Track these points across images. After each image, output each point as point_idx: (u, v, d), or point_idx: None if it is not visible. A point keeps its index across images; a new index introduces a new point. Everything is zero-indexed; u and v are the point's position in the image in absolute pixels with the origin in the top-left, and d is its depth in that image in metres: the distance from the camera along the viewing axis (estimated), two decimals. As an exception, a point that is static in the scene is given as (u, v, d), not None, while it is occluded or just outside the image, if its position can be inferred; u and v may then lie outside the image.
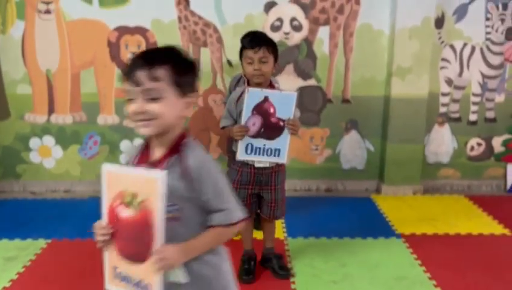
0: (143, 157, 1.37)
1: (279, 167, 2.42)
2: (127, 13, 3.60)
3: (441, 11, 3.66)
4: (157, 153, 1.34)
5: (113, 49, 3.67)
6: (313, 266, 2.62)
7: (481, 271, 2.58)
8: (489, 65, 3.79)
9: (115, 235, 1.33)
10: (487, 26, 3.72)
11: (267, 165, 2.36)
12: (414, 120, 3.70)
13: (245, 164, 2.37)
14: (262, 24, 3.62)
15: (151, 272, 1.25)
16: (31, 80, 3.73)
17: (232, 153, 2.91)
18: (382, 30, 3.67)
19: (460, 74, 3.81)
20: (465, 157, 3.96)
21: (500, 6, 3.68)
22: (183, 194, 1.28)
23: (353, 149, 3.91)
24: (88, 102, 3.77)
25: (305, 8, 3.63)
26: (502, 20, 3.71)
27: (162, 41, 3.66)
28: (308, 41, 3.69)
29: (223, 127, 2.42)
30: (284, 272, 2.49)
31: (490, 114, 3.89)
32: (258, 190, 2.42)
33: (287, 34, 3.65)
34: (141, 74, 1.23)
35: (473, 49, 3.76)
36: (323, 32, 3.68)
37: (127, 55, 3.68)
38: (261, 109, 2.24)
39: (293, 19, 3.64)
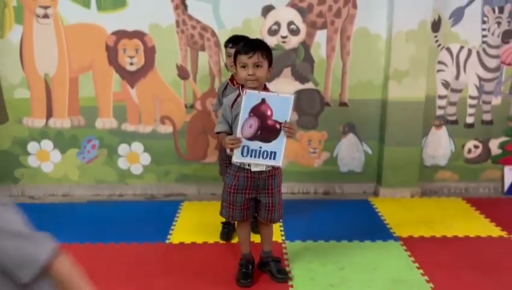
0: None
1: (275, 171, 2.43)
2: (125, 17, 3.61)
3: (437, 15, 3.68)
4: None
5: (111, 53, 3.68)
6: (311, 270, 2.63)
7: (479, 274, 2.59)
8: (485, 68, 3.81)
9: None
10: (483, 30, 3.74)
11: (264, 169, 2.36)
12: (411, 123, 3.72)
13: (241, 169, 2.38)
14: (260, 28, 3.64)
15: None
16: (29, 84, 3.74)
17: (224, 162, 2.93)
18: (379, 34, 3.69)
19: (457, 76, 3.83)
20: (462, 159, 3.98)
21: (496, 9, 3.70)
22: None
23: (351, 152, 3.92)
24: (86, 106, 3.78)
25: (303, 12, 3.64)
26: (498, 23, 3.73)
27: (160, 45, 3.67)
28: (305, 45, 3.71)
29: (218, 133, 2.42)
30: (282, 276, 2.50)
31: (487, 116, 3.91)
32: (255, 194, 2.43)
33: (284, 37, 3.67)
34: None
35: (470, 52, 3.78)
36: (321, 36, 3.70)
37: (124, 60, 3.69)
38: (258, 111, 2.25)
39: (290, 23, 3.65)
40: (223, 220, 3.00)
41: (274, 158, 2.30)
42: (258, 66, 2.27)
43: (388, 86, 3.66)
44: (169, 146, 3.87)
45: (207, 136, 3.83)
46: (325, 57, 3.73)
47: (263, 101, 2.25)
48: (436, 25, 3.69)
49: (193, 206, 3.64)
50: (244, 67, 2.29)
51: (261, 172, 2.37)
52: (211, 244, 2.96)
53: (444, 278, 2.53)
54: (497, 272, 2.60)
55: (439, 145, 3.94)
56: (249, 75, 2.27)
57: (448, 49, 3.77)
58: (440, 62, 3.79)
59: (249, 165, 2.35)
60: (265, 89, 2.39)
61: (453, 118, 3.90)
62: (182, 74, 3.75)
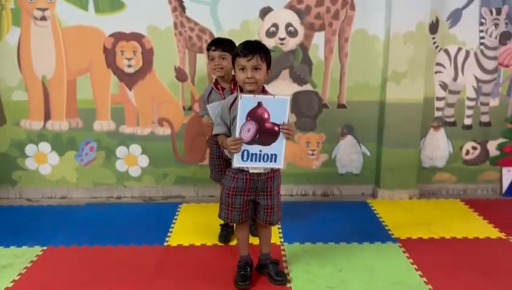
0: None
1: (274, 173, 2.42)
2: (123, 19, 3.61)
3: (435, 16, 3.68)
4: None
5: (109, 55, 3.68)
6: (309, 272, 2.62)
7: (477, 275, 2.58)
8: (483, 70, 3.81)
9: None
10: (481, 31, 3.75)
11: (262, 171, 2.36)
12: (409, 125, 3.72)
13: (240, 171, 2.37)
14: (258, 30, 3.64)
15: None
16: (27, 87, 3.73)
17: (216, 167, 2.93)
18: (377, 35, 3.69)
19: (455, 78, 3.83)
20: (460, 161, 3.98)
21: (493, 11, 3.71)
22: None
23: (349, 154, 3.92)
24: (84, 108, 3.77)
25: (301, 14, 3.65)
26: (496, 25, 3.73)
27: (158, 47, 3.67)
28: (303, 47, 3.71)
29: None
30: (281, 278, 2.49)
31: (485, 118, 3.91)
32: (254, 196, 2.42)
33: (282, 39, 3.67)
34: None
35: (467, 53, 3.78)
36: (319, 37, 3.70)
37: (122, 62, 3.69)
38: (255, 114, 2.25)
39: (288, 25, 3.65)
40: (222, 222, 3.00)
41: (275, 161, 2.30)
42: (256, 68, 2.27)
43: (386, 88, 3.66)
44: (168, 148, 3.86)
45: (205, 138, 3.82)
46: (323, 59, 3.74)
47: (259, 104, 2.24)
48: (434, 27, 3.70)
49: (191, 209, 3.64)
50: (242, 69, 2.28)
51: (259, 174, 2.37)
52: (209, 247, 2.96)
53: (443, 280, 2.53)
54: (495, 274, 2.60)
55: (437, 147, 3.94)
56: (248, 78, 2.26)
57: (446, 51, 3.78)
58: (438, 64, 3.80)
59: (247, 167, 2.35)
60: (264, 91, 2.39)
61: (451, 119, 3.91)
62: (180, 76, 3.75)
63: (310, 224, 3.29)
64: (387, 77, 3.64)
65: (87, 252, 2.88)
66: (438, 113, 3.89)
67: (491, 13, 3.71)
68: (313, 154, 3.92)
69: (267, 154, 2.29)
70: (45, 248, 2.93)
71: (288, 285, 2.49)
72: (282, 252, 2.85)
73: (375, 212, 3.53)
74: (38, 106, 3.77)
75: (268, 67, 2.34)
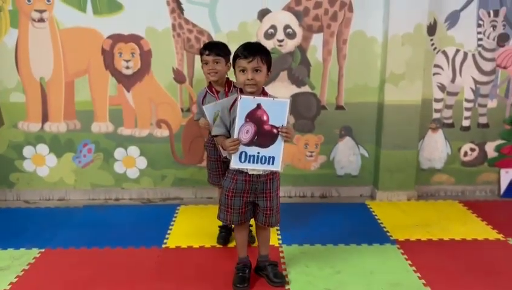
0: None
1: (273, 175, 2.42)
2: (121, 21, 3.60)
3: (433, 18, 3.69)
4: None
5: (107, 57, 3.68)
6: (308, 274, 2.62)
7: (476, 277, 2.58)
8: (481, 71, 3.82)
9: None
10: (479, 33, 3.75)
11: (261, 172, 2.36)
12: (407, 126, 3.72)
13: (240, 172, 2.37)
14: (256, 32, 3.64)
15: None
16: (25, 88, 3.72)
17: (214, 170, 2.93)
18: (375, 37, 3.69)
19: (453, 80, 3.84)
20: (458, 162, 3.98)
21: (491, 12, 3.72)
22: None
23: (347, 155, 3.92)
24: (82, 110, 3.77)
25: (299, 16, 3.65)
26: (494, 27, 3.74)
27: (156, 49, 3.67)
28: (301, 49, 3.71)
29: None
30: (279, 280, 2.49)
31: (483, 120, 3.92)
32: (253, 198, 2.42)
33: (280, 41, 3.67)
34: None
35: (465, 55, 3.79)
36: (317, 39, 3.70)
37: (120, 63, 3.68)
38: (254, 116, 2.25)
39: (286, 27, 3.66)
40: (220, 224, 3.00)
41: (272, 163, 2.30)
42: (257, 70, 2.27)
43: (384, 89, 3.67)
44: (166, 150, 3.86)
45: (203, 140, 3.81)
46: (321, 61, 3.74)
47: (258, 106, 2.24)
48: (432, 29, 3.70)
49: (190, 210, 3.63)
50: (243, 71, 2.28)
51: (259, 176, 2.36)
52: (207, 249, 2.95)
53: (441, 282, 2.53)
54: (494, 275, 2.60)
55: (435, 148, 3.94)
56: (248, 79, 2.26)
57: (444, 53, 3.78)
58: (436, 65, 3.80)
59: (246, 169, 2.34)
60: (264, 93, 2.38)
61: (449, 121, 3.91)
62: (178, 77, 3.74)
63: (309, 226, 3.28)
64: (386, 78, 3.64)
65: (85, 255, 2.88)
66: (436, 115, 3.89)
67: (489, 15, 3.72)
68: (311, 156, 3.92)
69: (265, 157, 2.29)
70: (43, 250, 2.92)
71: (286, 287, 2.49)
72: (281, 254, 2.84)
73: (373, 213, 3.53)
74: (36, 107, 3.76)
75: (269, 69, 2.34)
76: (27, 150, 3.83)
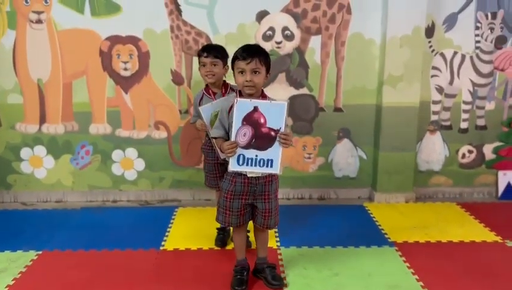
0: None
1: (272, 177, 2.42)
2: (119, 23, 3.60)
3: (431, 20, 3.69)
4: None
5: (105, 58, 3.67)
6: (306, 276, 2.61)
7: (474, 279, 2.58)
8: (479, 73, 3.83)
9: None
10: (477, 35, 3.76)
11: (260, 174, 2.35)
12: (406, 128, 3.72)
13: (238, 174, 2.36)
14: (255, 33, 3.64)
15: None
16: (22, 90, 3.71)
17: (211, 173, 2.92)
18: (373, 39, 3.70)
19: (451, 82, 3.84)
20: (456, 164, 3.99)
21: (489, 15, 3.73)
22: None
23: (345, 157, 3.92)
24: (80, 111, 3.76)
25: (297, 18, 3.65)
26: (491, 29, 3.75)
27: (154, 50, 3.66)
28: (300, 51, 3.71)
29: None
30: (277, 283, 2.48)
31: (481, 122, 3.92)
32: (252, 200, 2.42)
33: (279, 43, 3.67)
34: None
35: (463, 57, 3.80)
36: (315, 41, 3.71)
37: (118, 65, 3.68)
38: (251, 119, 2.24)
39: (284, 28, 3.66)
40: (218, 226, 2.99)
41: (271, 166, 2.29)
42: (255, 72, 2.26)
43: (382, 91, 3.67)
44: (164, 152, 3.85)
45: (201, 141, 3.81)
46: (319, 63, 3.74)
47: (255, 109, 2.24)
48: (430, 31, 3.71)
49: (187, 212, 3.62)
50: (241, 72, 2.28)
51: (257, 178, 2.36)
52: (205, 251, 2.94)
53: (440, 284, 2.53)
54: (492, 277, 2.60)
55: (433, 151, 3.95)
56: (247, 81, 2.26)
57: (442, 55, 3.79)
58: (434, 67, 3.81)
59: (245, 171, 2.34)
60: (263, 95, 2.38)
61: (447, 123, 3.92)
62: (177, 79, 3.74)
63: (307, 228, 3.28)
64: (384, 80, 3.65)
65: (82, 257, 2.87)
66: (434, 117, 3.90)
67: (487, 17, 3.73)
68: (309, 158, 3.92)
69: (263, 159, 2.28)
70: (40, 252, 2.91)
71: (284, 289, 2.48)
72: (279, 256, 2.84)
73: (371, 215, 3.53)
74: (33, 109, 3.75)
75: (268, 71, 2.33)
76: (24, 152, 3.82)
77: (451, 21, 3.73)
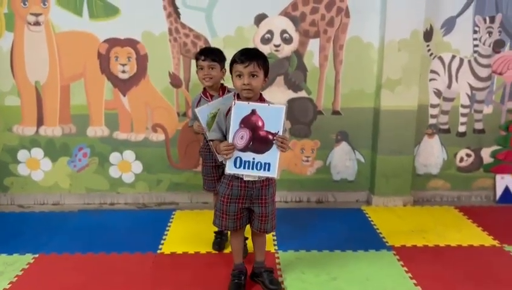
0: None
1: (269, 181, 2.41)
2: (117, 25, 3.59)
3: (429, 24, 3.70)
4: None
5: (103, 61, 3.66)
6: (304, 280, 2.61)
7: (472, 283, 2.58)
8: (477, 77, 3.83)
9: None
10: (475, 39, 3.77)
11: (257, 178, 2.35)
12: (404, 131, 3.72)
13: (235, 178, 2.36)
14: (253, 36, 3.64)
15: None
16: (20, 92, 3.70)
17: (209, 176, 2.92)
18: (371, 43, 3.70)
19: (449, 85, 3.85)
20: (454, 168, 3.99)
21: (487, 19, 3.73)
22: None
23: (343, 160, 3.92)
24: (78, 114, 3.75)
25: (295, 21, 3.65)
26: (490, 33, 3.76)
27: (152, 53, 3.66)
28: (298, 54, 3.71)
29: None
30: (275, 287, 2.47)
31: (479, 125, 3.93)
32: (249, 204, 2.41)
33: (277, 46, 3.67)
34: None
35: (461, 61, 3.80)
36: (314, 44, 3.70)
37: (116, 67, 3.67)
38: (249, 121, 2.24)
39: (283, 32, 3.66)
40: (215, 229, 2.98)
41: (268, 169, 2.28)
42: (253, 75, 2.26)
43: (381, 95, 3.67)
44: (161, 154, 3.84)
45: (199, 144, 3.80)
46: (317, 66, 3.74)
47: (253, 111, 2.23)
48: (428, 35, 3.71)
49: (185, 215, 3.61)
50: (239, 76, 2.27)
51: (254, 181, 2.35)
52: (202, 255, 2.93)
53: (437, 288, 2.53)
54: (490, 282, 2.60)
55: (431, 154, 3.95)
56: (244, 84, 2.25)
57: (440, 58, 3.79)
58: (432, 71, 3.81)
59: (242, 175, 2.33)
60: (261, 98, 2.37)
61: (445, 126, 3.92)
62: (175, 82, 3.73)
63: (305, 231, 3.27)
64: (382, 84, 3.65)
65: (79, 260, 2.85)
66: (432, 120, 3.90)
67: (485, 21, 3.74)
68: (307, 161, 3.91)
69: (261, 163, 2.27)
70: (37, 255, 2.90)
71: (282, 294, 2.48)
72: (277, 260, 2.83)
73: (369, 219, 3.52)
74: (31, 111, 3.74)
75: (266, 74, 2.33)
76: (22, 154, 3.81)
77: (449, 25, 3.73)
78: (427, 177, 3.99)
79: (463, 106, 3.89)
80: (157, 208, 3.83)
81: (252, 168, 2.28)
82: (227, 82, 2.74)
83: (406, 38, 3.56)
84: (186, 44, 3.66)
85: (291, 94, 3.77)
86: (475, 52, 3.79)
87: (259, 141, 2.25)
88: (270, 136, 2.25)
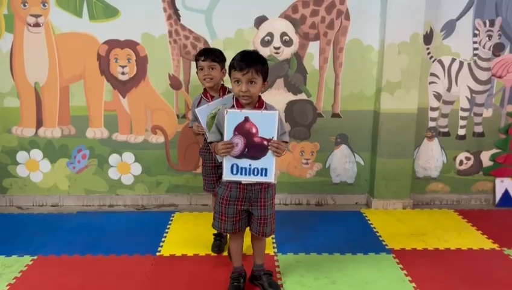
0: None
1: (268, 184, 2.40)
2: (117, 27, 3.59)
3: (429, 27, 3.70)
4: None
5: (103, 62, 3.66)
6: (303, 284, 2.60)
7: (471, 287, 2.58)
8: (477, 80, 3.83)
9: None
10: (475, 42, 3.77)
11: (254, 181, 2.34)
12: (403, 134, 3.72)
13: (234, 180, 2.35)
14: (253, 39, 3.64)
15: None
16: (19, 93, 3.70)
17: (209, 177, 2.92)
18: (371, 45, 3.70)
19: (449, 89, 3.85)
20: (454, 171, 3.99)
21: (487, 22, 3.74)
22: None
23: (343, 163, 3.91)
24: (77, 115, 3.74)
25: (295, 23, 3.65)
26: (489, 36, 3.76)
27: (152, 55, 3.65)
28: (298, 56, 3.71)
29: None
30: (274, 290, 2.47)
31: (478, 128, 3.93)
32: (248, 206, 2.40)
33: (277, 48, 3.67)
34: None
35: (461, 64, 3.80)
36: (314, 47, 3.70)
37: (116, 69, 3.67)
38: (242, 129, 2.23)
39: (283, 34, 3.66)
40: (215, 231, 2.97)
41: (265, 175, 2.28)
42: (251, 82, 2.25)
43: (380, 98, 3.67)
44: (161, 156, 3.83)
45: (199, 146, 3.79)
46: (317, 68, 3.74)
47: (246, 119, 2.22)
48: (428, 38, 3.71)
49: (184, 218, 3.61)
50: (237, 82, 2.26)
51: (253, 184, 2.35)
52: (202, 257, 2.93)
53: (437, 292, 2.52)
54: (489, 285, 2.60)
55: (431, 157, 3.95)
56: (242, 91, 2.24)
57: (440, 62, 3.79)
58: (432, 74, 3.81)
59: (239, 180, 2.33)
60: (260, 101, 2.36)
61: (445, 129, 3.92)
62: (174, 83, 3.73)
63: (304, 234, 3.27)
64: (382, 86, 3.64)
65: (78, 262, 2.84)
66: (431, 123, 3.90)
67: (485, 25, 3.74)
68: (307, 163, 3.91)
69: (257, 168, 2.27)
70: (35, 257, 2.89)
71: (281, 297, 2.47)
72: (276, 263, 2.83)
73: (369, 222, 3.52)
74: (30, 112, 3.73)
75: (265, 79, 2.32)
76: (21, 155, 3.80)
77: (449, 28, 3.74)
78: (426, 181, 3.99)
79: (463, 109, 3.89)
80: (156, 210, 3.82)
81: (249, 174, 2.28)
82: (228, 83, 2.73)
83: (405, 41, 3.57)
84: (186, 46, 3.65)
85: (291, 96, 3.77)
86: (475, 55, 3.79)
87: (254, 148, 2.25)
88: (265, 142, 2.24)
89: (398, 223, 3.52)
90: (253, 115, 2.23)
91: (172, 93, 3.74)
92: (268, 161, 2.26)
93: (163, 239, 3.17)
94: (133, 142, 3.81)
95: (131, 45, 3.63)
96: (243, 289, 2.47)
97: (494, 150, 3.96)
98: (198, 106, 2.81)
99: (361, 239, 3.19)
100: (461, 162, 3.98)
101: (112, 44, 3.63)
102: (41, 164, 3.82)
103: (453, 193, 4.00)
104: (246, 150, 2.25)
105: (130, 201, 3.89)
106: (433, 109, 3.88)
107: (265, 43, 3.66)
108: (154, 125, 3.79)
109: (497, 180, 3.97)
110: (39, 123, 3.75)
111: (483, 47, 3.77)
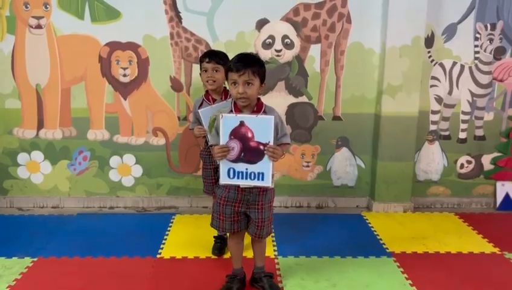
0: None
1: (266, 187, 2.39)
2: (119, 29, 3.59)
3: (430, 31, 3.70)
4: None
5: (104, 64, 3.66)
6: (304, 286, 2.59)
7: (472, 291, 2.58)
8: (478, 84, 3.83)
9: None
10: (476, 46, 3.77)
11: (252, 185, 2.33)
12: (404, 138, 3.72)
13: (233, 182, 2.35)
14: (254, 41, 3.64)
15: None
16: (20, 95, 3.70)
17: (209, 179, 2.92)
18: (373, 49, 3.70)
19: (450, 92, 3.85)
20: (455, 175, 3.98)
21: (488, 26, 3.74)
22: None
23: (344, 166, 3.91)
24: (78, 117, 3.74)
25: (297, 26, 3.65)
26: (491, 40, 3.76)
27: (153, 57, 3.66)
28: (299, 59, 3.71)
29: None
30: (275, 292, 2.47)
31: (479, 132, 3.92)
32: (245, 208, 2.40)
33: (278, 51, 3.67)
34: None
35: (462, 68, 3.80)
36: (315, 50, 3.71)
37: (117, 71, 3.67)
38: (238, 133, 2.23)
39: (284, 37, 3.66)
40: (215, 234, 2.98)
41: (262, 179, 2.27)
42: (248, 83, 2.24)
43: (381, 101, 3.67)
44: (162, 158, 3.83)
45: (200, 148, 3.79)
46: (318, 71, 3.74)
47: (242, 123, 2.22)
48: (429, 41, 3.72)
49: (185, 220, 3.60)
50: (234, 84, 2.26)
51: (251, 187, 2.34)
52: (202, 259, 2.92)
53: (438, 296, 2.52)
54: (490, 289, 2.60)
55: (432, 160, 3.94)
56: (239, 93, 2.24)
57: (441, 65, 3.80)
58: (433, 77, 3.81)
59: (236, 184, 2.32)
60: (259, 104, 2.36)
61: (446, 133, 3.92)
62: (176, 86, 3.73)
63: (305, 237, 3.26)
64: (383, 90, 3.65)
65: (78, 264, 2.84)
66: (432, 127, 3.90)
67: (486, 28, 3.74)
68: (307, 166, 3.91)
69: (254, 173, 2.27)
70: (36, 259, 2.89)
71: (282, 300, 2.47)
72: (277, 266, 2.82)
73: (369, 225, 3.51)
74: (31, 114, 3.73)
75: (262, 81, 2.31)
76: (21, 157, 3.80)
77: (450, 31, 3.74)
78: (427, 184, 3.98)
79: (464, 113, 3.88)
80: (156, 212, 3.82)
81: (246, 178, 2.27)
82: (229, 87, 2.73)
83: (407, 45, 3.57)
84: (187, 48, 3.66)
85: (292, 99, 3.77)
86: (476, 59, 3.79)
87: (251, 152, 2.24)
88: (261, 147, 2.23)
89: (399, 226, 3.51)
90: (249, 119, 2.23)
91: (173, 95, 3.74)
92: (265, 166, 2.25)
93: (163, 241, 3.17)
94: (134, 144, 3.81)
95: (132, 47, 3.64)
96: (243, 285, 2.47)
97: (495, 154, 3.96)
98: (199, 108, 2.81)
99: (361, 242, 3.19)
100: (462, 166, 3.97)
101: (114, 46, 3.63)
102: (42, 166, 3.83)
103: (453, 196, 3.99)
104: (242, 154, 2.24)
105: (130, 203, 3.89)
106: (434, 112, 3.88)
107: (266, 45, 3.66)
108: (155, 127, 3.79)
109: (498, 184, 3.96)
110: (40, 125, 3.76)
111: (485, 50, 3.77)
